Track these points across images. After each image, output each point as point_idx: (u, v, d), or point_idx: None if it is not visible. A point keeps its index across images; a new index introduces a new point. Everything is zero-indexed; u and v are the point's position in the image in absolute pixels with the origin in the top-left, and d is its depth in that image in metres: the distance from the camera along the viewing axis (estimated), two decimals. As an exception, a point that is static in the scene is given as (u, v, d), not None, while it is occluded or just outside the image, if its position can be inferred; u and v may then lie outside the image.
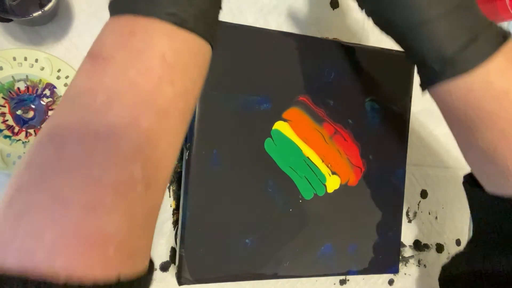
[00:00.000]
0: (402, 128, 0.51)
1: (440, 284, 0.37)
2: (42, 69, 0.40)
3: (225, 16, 0.48)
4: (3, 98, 0.39)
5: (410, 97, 0.51)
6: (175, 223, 0.47)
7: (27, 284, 0.16)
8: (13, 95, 0.40)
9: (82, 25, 0.42)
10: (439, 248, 0.60)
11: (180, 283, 0.42)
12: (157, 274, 0.46)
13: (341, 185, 0.48)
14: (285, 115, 0.45)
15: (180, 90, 0.23)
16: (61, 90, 0.41)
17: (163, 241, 0.46)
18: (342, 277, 0.54)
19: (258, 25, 0.49)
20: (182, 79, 0.23)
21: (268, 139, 0.44)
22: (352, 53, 0.48)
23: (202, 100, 0.41)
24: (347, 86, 0.48)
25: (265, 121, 0.44)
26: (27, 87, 0.40)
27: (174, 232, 0.46)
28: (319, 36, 0.52)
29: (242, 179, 0.44)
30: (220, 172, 0.42)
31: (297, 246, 0.46)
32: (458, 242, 0.62)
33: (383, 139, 0.50)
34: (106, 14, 0.43)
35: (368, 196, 0.49)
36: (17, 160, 0.39)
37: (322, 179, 0.47)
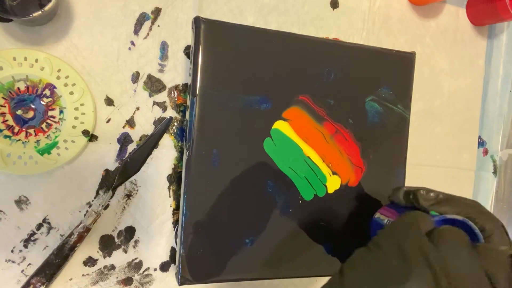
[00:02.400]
0: (402, 128, 0.51)
1: None
2: (42, 69, 0.40)
3: (225, 16, 0.48)
4: (3, 98, 0.39)
5: (410, 97, 0.51)
6: (175, 223, 0.47)
7: None
8: (13, 95, 0.40)
9: (82, 25, 0.42)
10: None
11: (180, 283, 0.42)
12: (157, 274, 0.46)
13: (341, 185, 0.48)
14: (285, 114, 0.45)
15: None
16: (61, 90, 0.41)
17: (163, 241, 0.46)
18: (342, 277, 0.54)
19: (258, 25, 0.49)
20: None
21: (268, 138, 0.44)
22: (352, 53, 0.48)
23: (202, 100, 0.41)
24: (347, 86, 0.48)
25: (265, 121, 0.44)
26: (27, 87, 0.40)
27: (174, 232, 0.46)
28: (319, 36, 0.52)
29: (242, 179, 0.43)
30: (220, 172, 0.42)
31: (297, 246, 0.46)
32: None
33: (383, 139, 0.50)
34: (106, 14, 0.43)
35: (369, 196, 0.49)
36: (17, 160, 0.39)
37: (322, 179, 0.47)
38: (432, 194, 0.35)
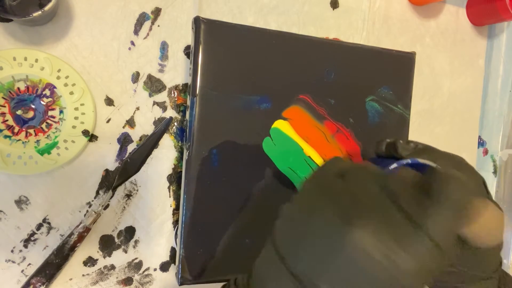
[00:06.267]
0: (402, 128, 0.51)
1: None
2: (42, 69, 0.40)
3: (225, 16, 0.48)
4: (3, 98, 0.39)
5: (410, 97, 0.51)
6: (175, 223, 0.47)
7: None
8: (13, 95, 0.40)
9: (82, 25, 0.42)
10: (439, 248, 0.60)
11: (180, 283, 0.42)
12: (157, 274, 0.46)
13: (341, 185, 0.48)
14: (285, 113, 0.45)
15: None
16: (61, 90, 0.41)
17: (163, 241, 0.46)
18: (342, 277, 0.54)
19: (258, 25, 0.49)
20: None
21: (267, 138, 0.44)
22: (352, 53, 0.48)
23: (202, 100, 0.41)
24: (348, 85, 0.48)
25: (265, 121, 0.44)
26: (27, 87, 0.40)
27: (174, 232, 0.46)
28: (319, 36, 0.52)
29: (241, 179, 0.43)
30: (220, 172, 0.42)
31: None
32: (458, 242, 0.62)
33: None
34: (106, 14, 0.43)
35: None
36: (17, 160, 0.39)
37: (322, 179, 0.47)
38: (411, 144, 0.36)
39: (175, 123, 0.46)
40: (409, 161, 0.34)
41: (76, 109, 0.41)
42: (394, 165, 0.34)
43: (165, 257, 0.46)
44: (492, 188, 0.65)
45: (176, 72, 0.46)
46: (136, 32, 0.44)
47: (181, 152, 0.46)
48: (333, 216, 0.22)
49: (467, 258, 0.34)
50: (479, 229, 0.24)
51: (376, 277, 0.20)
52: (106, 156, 0.44)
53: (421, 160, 0.34)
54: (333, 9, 0.54)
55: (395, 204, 0.22)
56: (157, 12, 0.45)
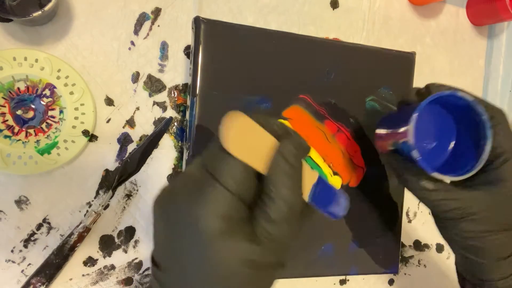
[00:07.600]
0: (402, 128, 0.51)
1: None
2: (42, 69, 0.40)
3: (225, 16, 0.48)
4: (3, 98, 0.39)
5: (410, 97, 0.51)
6: (175, 223, 0.47)
7: None
8: (13, 95, 0.40)
9: (82, 25, 0.42)
10: (439, 248, 0.60)
11: (180, 283, 0.42)
12: (157, 274, 0.46)
13: (342, 185, 0.48)
14: (285, 113, 0.45)
15: None
16: (61, 90, 0.41)
17: (163, 241, 0.46)
18: (342, 277, 0.54)
19: (258, 25, 0.49)
20: None
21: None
22: (352, 53, 0.48)
23: (202, 100, 0.41)
24: (348, 85, 0.48)
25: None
26: (27, 87, 0.40)
27: (174, 232, 0.46)
28: (319, 36, 0.52)
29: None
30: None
31: (297, 246, 0.46)
32: (458, 242, 0.62)
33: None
34: (106, 14, 0.43)
35: (369, 196, 0.49)
36: (17, 160, 0.39)
37: (322, 179, 0.47)
38: (446, 85, 0.39)
39: (175, 123, 0.46)
40: (447, 92, 0.34)
41: (76, 109, 0.41)
42: (428, 99, 0.34)
43: (165, 257, 0.46)
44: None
45: (176, 72, 0.46)
46: (136, 32, 0.44)
47: (181, 152, 0.46)
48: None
49: (484, 202, 0.35)
50: (224, 131, 0.27)
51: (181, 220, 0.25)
52: (106, 156, 0.44)
53: (459, 93, 0.35)
54: (333, 9, 0.54)
55: (205, 169, 0.26)
56: (157, 12, 0.45)
